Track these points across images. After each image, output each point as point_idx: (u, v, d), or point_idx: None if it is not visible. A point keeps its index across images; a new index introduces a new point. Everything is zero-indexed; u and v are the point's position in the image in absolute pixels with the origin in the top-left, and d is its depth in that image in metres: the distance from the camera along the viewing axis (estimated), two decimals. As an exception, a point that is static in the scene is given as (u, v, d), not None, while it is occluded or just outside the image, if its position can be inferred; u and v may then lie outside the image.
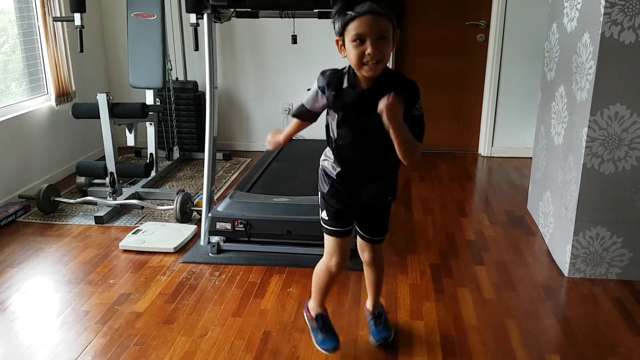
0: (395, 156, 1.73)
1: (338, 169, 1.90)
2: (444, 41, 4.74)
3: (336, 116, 1.79)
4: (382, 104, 1.56)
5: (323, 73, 1.77)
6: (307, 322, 2.23)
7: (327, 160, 1.94)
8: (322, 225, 2.00)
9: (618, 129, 2.52)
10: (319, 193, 2.00)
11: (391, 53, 1.64)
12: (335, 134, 1.83)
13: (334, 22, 1.65)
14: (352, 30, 1.59)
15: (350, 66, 1.73)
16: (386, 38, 1.60)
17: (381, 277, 2.24)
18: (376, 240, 2.09)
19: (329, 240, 2.00)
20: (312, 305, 2.19)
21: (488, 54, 4.68)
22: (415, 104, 1.73)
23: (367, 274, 2.23)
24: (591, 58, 2.50)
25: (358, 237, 2.11)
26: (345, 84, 1.73)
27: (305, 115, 1.89)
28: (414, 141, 1.71)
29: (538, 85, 3.63)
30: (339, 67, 1.77)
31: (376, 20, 1.57)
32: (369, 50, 1.58)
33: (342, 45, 1.68)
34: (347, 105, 1.75)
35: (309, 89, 1.83)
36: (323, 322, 2.16)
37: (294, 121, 1.96)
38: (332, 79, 1.74)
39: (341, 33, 1.64)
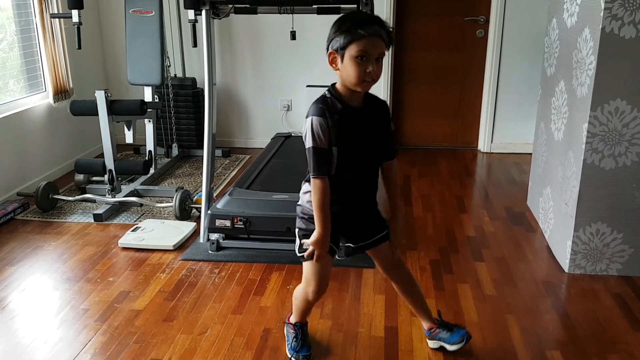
0: (379, 166, 1.94)
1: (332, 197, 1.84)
2: (443, 37, 4.72)
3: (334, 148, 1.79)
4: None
5: (315, 105, 1.77)
6: (285, 331, 2.22)
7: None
8: (300, 255, 1.93)
9: (618, 124, 2.51)
10: (297, 229, 1.95)
11: None
12: (335, 163, 1.81)
13: (336, 36, 1.70)
14: (357, 47, 1.67)
15: (328, 91, 1.80)
16: (381, 60, 1.72)
17: (420, 291, 2.15)
18: (382, 237, 2.00)
19: (308, 266, 1.94)
20: (293, 318, 2.18)
21: (487, 50, 4.67)
22: (391, 120, 1.92)
23: (406, 296, 2.14)
24: (591, 53, 2.49)
25: (374, 259, 2.05)
26: (339, 106, 1.77)
27: (328, 161, 1.78)
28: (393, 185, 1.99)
29: (538, 80, 3.62)
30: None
31: (379, 43, 1.68)
32: (370, 69, 1.68)
33: (337, 60, 1.73)
34: (349, 127, 1.78)
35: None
36: (302, 331, 2.15)
37: (321, 187, 1.77)
38: (327, 105, 1.76)
39: (343, 48, 1.69)
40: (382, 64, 1.73)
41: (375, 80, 1.72)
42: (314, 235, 1.83)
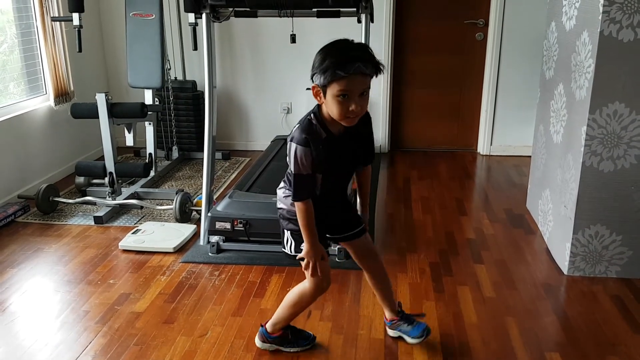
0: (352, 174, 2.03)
1: None
2: (443, 39, 4.73)
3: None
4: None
5: (300, 132, 1.76)
6: (268, 346, 2.19)
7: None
8: (293, 255, 1.99)
9: (617, 127, 2.52)
10: (290, 232, 1.97)
11: None
12: (319, 185, 1.86)
13: (316, 74, 1.66)
14: (338, 87, 1.64)
15: (314, 115, 1.77)
16: (367, 94, 1.68)
17: (389, 283, 2.22)
18: (357, 232, 2.06)
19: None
20: (277, 326, 2.15)
21: (487, 53, 4.68)
22: (372, 132, 1.94)
23: (374, 285, 2.19)
24: (590, 56, 2.50)
25: (349, 250, 2.14)
26: (323, 135, 1.77)
27: (311, 186, 1.81)
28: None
29: (537, 83, 3.63)
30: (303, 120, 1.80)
31: (362, 79, 1.64)
32: (352, 107, 1.66)
33: (321, 94, 1.70)
34: (332, 155, 1.79)
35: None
36: (294, 331, 2.18)
37: (305, 210, 1.80)
38: (311, 135, 1.75)
39: (324, 86, 1.66)
40: (368, 96, 1.69)
41: (359, 115, 1.69)
42: (305, 249, 1.88)
